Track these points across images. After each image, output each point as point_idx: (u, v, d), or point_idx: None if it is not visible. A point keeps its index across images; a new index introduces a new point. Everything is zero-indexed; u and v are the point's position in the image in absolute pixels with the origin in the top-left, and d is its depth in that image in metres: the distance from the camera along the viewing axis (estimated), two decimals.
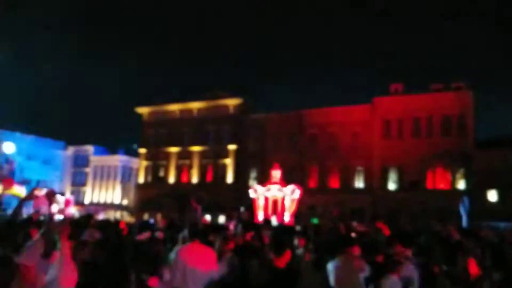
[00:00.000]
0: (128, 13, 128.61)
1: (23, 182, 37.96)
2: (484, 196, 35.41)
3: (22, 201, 4.78)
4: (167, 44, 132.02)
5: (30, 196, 4.78)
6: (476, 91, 39.56)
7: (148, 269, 5.50)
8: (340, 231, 7.84)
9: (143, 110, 54.39)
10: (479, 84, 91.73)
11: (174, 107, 52.43)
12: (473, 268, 5.60)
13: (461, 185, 37.85)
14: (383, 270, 5.31)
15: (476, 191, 34.65)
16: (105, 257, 5.79)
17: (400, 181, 40.24)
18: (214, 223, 13.07)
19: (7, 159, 47.86)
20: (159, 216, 15.40)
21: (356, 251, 5.74)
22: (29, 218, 8.55)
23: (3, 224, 4.76)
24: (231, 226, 11.50)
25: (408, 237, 6.78)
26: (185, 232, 6.74)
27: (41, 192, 4.72)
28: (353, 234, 8.76)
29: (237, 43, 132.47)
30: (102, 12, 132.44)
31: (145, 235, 7.84)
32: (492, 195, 35.84)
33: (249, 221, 11.88)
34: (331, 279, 5.66)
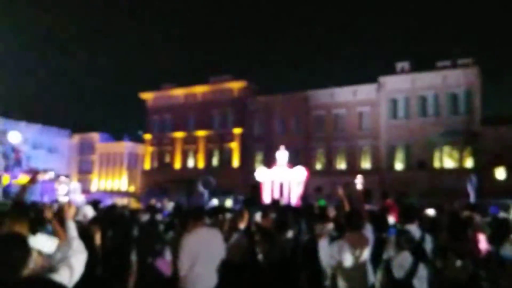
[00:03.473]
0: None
1: (30, 171, 38.24)
2: (492, 173, 35.27)
3: (25, 186, 4.82)
4: (169, 30, 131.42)
5: (33, 180, 4.79)
6: (483, 68, 39.22)
7: (151, 250, 5.57)
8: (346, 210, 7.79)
9: (147, 96, 54.49)
10: (486, 60, 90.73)
11: (178, 92, 52.43)
12: (482, 243, 5.59)
13: (468, 163, 37.76)
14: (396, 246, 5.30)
15: (484, 169, 34.54)
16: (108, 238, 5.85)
17: (407, 160, 40.19)
18: (220, 206, 13.14)
19: (14, 149, 48.15)
20: (166, 201, 15.42)
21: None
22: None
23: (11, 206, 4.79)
24: (238, 208, 11.55)
25: (412, 211, 6.67)
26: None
27: (44, 176, 4.71)
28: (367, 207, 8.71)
29: (238, 25, 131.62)
30: None
31: (144, 218, 7.94)
32: (500, 173, 35.70)
33: (251, 201, 11.88)
34: (336, 258, 5.56)
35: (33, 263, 2.70)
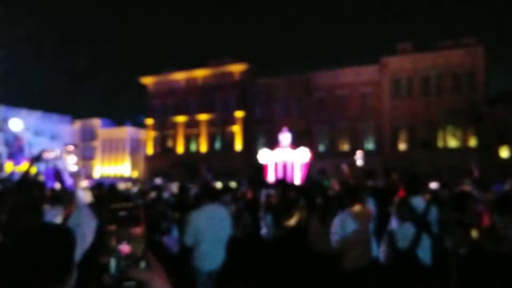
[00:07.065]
0: None
1: (32, 159, 38.43)
2: (495, 152, 35.37)
3: (32, 161, 4.95)
4: (167, 12, 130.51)
5: (39, 158, 4.91)
6: (486, 47, 39.03)
7: (158, 228, 5.68)
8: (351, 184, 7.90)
9: (148, 81, 54.32)
10: (490, 39, 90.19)
11: (179, 76, 52.28)
12: (485, 216, 5.69)
13: (472, 142, 37.81)
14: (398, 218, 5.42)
15: (487, 148, 34.61)
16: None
17: (411, 141, 40.25)
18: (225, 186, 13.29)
19: (16, 136, 48.37)
20: (169, 184, 15.46)
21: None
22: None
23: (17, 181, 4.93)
24: (242, 189, 11.68)
25: (417, 182, 6.74)
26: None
27: (51, 155, 4.81)
28: (369, 183, 8.82)
29: (237, 6, 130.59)
30: None
31: (151, 196, 8.09)
32: (504, 151, 35.80)
33: (255, 180, 11.97)
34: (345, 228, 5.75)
35: None
